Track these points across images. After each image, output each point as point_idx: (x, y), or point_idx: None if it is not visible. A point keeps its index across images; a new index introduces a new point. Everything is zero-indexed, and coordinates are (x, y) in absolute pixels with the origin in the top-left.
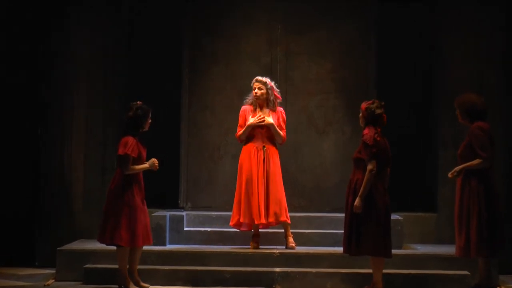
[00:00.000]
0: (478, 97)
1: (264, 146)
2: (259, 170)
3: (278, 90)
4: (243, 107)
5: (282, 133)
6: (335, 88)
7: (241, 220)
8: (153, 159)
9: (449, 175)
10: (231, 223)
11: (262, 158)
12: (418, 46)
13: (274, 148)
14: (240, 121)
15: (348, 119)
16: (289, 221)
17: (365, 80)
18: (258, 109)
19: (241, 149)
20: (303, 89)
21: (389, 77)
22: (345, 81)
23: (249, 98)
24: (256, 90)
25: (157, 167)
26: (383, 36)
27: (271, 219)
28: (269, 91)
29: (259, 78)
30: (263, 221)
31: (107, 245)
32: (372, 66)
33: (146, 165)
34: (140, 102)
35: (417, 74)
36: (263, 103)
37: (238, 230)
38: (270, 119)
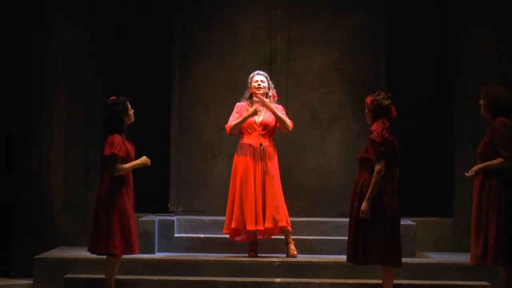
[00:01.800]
0: (506, 91)
1: (261, 145)
2: (256, 170)
3: (275, 90)
4: (238, 103)
5: (287, 118)
6: (342, 80)
7: (233, 225)
8: (144, 156)
9: (467, 174)
10: (224, 231)
11: (259, 157)
12: (433, 35)
13: (272, 147)
14: (234, 113)
15: (356, 114)
16: (289, 227)
17: (375, 72)
18: (254, 103)
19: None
20: (306, 82)
21: (400, 69)
22: (353, 73)
23: (246, 94)
24: (258, 83)
25: (148, 164)
26: (394, 24)
27: (269, 224)
28: (270, 85)
29: (260, 71)
30: (260, 227)
31: (99, 255)
32: (382, 57)
33: (137, 162)
34: (114, 98)
35: (432, 66)
36: (257, 103)
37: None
38: (269, 103)
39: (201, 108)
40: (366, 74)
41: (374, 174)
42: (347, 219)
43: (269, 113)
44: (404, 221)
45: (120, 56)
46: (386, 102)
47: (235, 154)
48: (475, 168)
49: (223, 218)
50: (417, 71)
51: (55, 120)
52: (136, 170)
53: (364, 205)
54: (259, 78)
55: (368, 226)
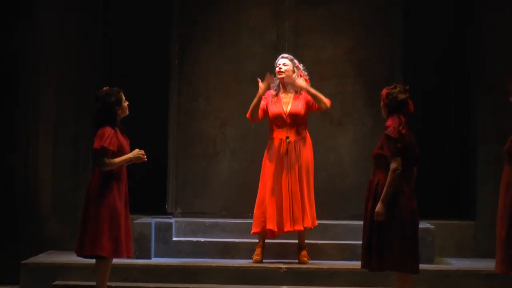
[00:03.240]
0: None
1: (287, 137)
2: (282, 166)
3: (305, 73)
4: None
5: (322, 96)
6: (354, 71)
7: (267, 227)
8: (136, 149)
9: None
10: (253, 230)
11: (285, 151)
12: (453, 22)
13: (304, 140)
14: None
15: (370, 108)
16: (311, 227)
17: (390, 62)
18: (281, 91)
19: (243, 143)
20: (316, 73)
21: (418, 58)
22: (367, 62)
23: (276, 81)
24: (280, 66)
25: (144, 158)
26: (410, 10)
27: (297, 226)
28: (295, 69)
29: (285, 54)
30: (288, 227)
31: (85, 257)
32: (399, 45)
33: (128, 156)
34: (107, 88)
35: (452, 55)
36: (287, 83)
37: (244, 240)
38: (302, 82)
39: (202, 99)
40: (380, 64)
41: (390, 172)
42: (360, 222)
43: (298, 102)
44: (422, 224)
45: (114, 43)
46: (402, 96)
47: (266, 147)
48: None
49: (226, 220)
50: (434, 59)
51: (43, 113)
52: (131, 166)
53: (379, 207)
54: (281, 62)
55: (383, 229)
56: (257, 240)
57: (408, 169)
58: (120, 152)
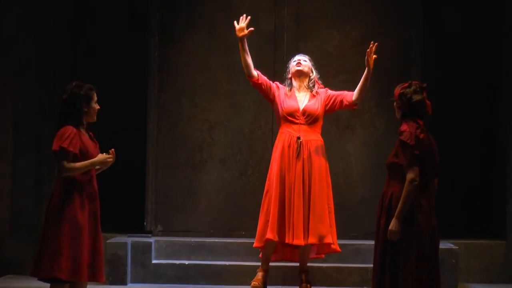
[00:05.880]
0: None
1: (298, 138)
2: (295, 171)
3: (320, 81)
4: (278, 83)
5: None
6: (364, 65)
7: (266, 236)
8: (102, 154)
9: None
10: (255, 244)
11: (295, 154)
12: (483, 11)
13: (319, 141)
14: (269, 82)
15: (382, 109)
16: (338, 249)
17: (407, 55)
18: (294, 88)
19: (235, 150)
20: (320, 67)
21: (440, 52)
22: (379, 56)
23: (286, 82)
24: (301, 62)
25: (110, 162)
26: None
27: (313, 239)
28: (313, 69)
29: (301, 54)
30: (301, 241)
31: (43, 280)
32: (417, 36)
33: (92, 160)
34: (77, 82)
35: (481, 52)
36: (303, 81)
37: (235, 263)
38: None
39: (186, 98)
40: (395, 58)
41: (406, 184)
42: (371, 242)
43: (314, 100)
44: (444, 244)
45: (84, 33)
46: (417, 97)
47: (275, 143)
48: None
49: (214, 239)
50: (459, 52)
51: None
52: (102, 175)
53: (393, 224)
54: (301, 58)
55: (398, 250)
56: (258, 259)
57: (427, 180)
58: (85, 157)
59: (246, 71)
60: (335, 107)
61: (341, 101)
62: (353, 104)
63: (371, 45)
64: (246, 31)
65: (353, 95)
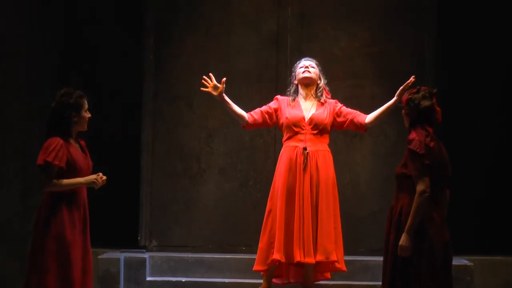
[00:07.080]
0: None
1: (305, 149)
2: (304, 184)
3: (327, 88)
4: (280, 96)
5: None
6: (374, 69)
7: (273, 257)
8: (99, 173)
9: None
10: (255, 267)
11: (302, 166)
12: (501, 10)
13: (326, 152)
14: (267, 106)
15: (393, 116)
16: (344, 268)
17: (419, 59)
18: (300, 96)
19: (234, 159)
20: (326, 71)
21: (455, 55)
22: (389, 59)
23: (290, 89)
24: (308, 68)
25: (100, 183)
26: None
27: (320, 256)
28: (321, 75)
29: (308, 58)
30: (312, 259)
31: None
32: (430, 38)
33: (79, 180)
34: (67, 89)
35: (499, 54)
36: (310, 90)
37: (235, 281)
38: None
39: (184, 104)
40: (407, 61)
41: (416, 196)
42: (380, 258)
43: (322, 109)
44: (457, 261)
45: (74, 33)
46: (426, 103)
47: (280, 156)
48: None
49: (213, 255)
50: (475, 56)
51: None
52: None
53: (403, 239)
54: (308, 63)
55: (408, 267)
56: (259, 276)
57: (438, 192)
58: (72, 169)
59: (240, 121)
60: (344, 124)
61: (352, 120)
62: (363, 126)
63: (411, 78)
64: (220, 86)
65: (367, 118)
